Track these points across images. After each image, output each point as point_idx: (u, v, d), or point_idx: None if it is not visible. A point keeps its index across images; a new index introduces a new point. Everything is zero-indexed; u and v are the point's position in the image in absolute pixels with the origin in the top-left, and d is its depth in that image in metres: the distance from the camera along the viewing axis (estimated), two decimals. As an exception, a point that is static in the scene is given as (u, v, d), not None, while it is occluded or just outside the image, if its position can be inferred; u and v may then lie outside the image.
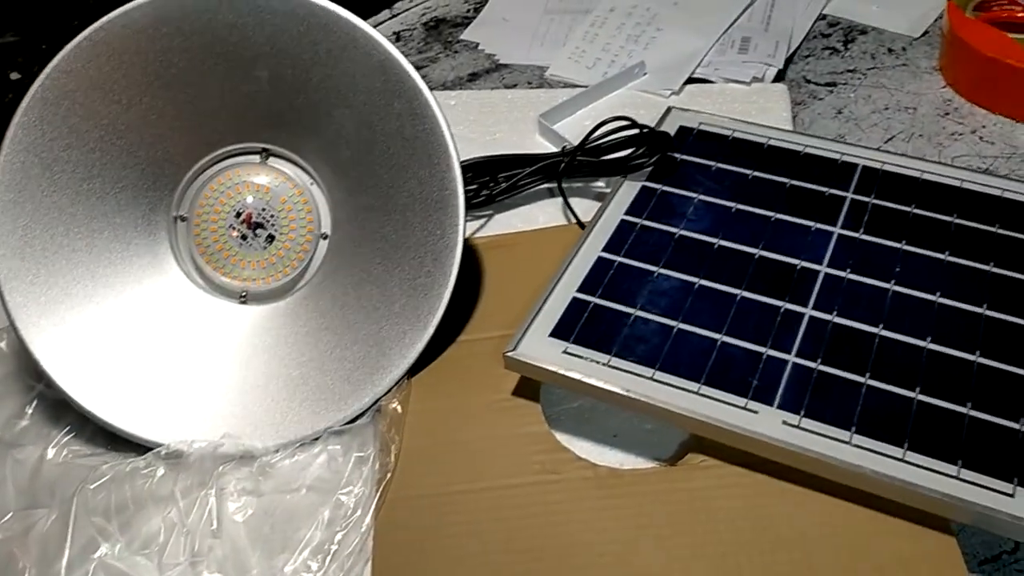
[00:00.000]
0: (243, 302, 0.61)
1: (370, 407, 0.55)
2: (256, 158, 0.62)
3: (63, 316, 0.57)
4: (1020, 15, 0.74)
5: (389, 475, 0.51)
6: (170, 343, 0.59)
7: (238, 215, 0.62)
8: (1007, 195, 0.62)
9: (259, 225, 0.61)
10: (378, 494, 0.51)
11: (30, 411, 0.58)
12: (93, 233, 0.59)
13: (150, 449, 0.54)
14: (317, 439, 0.55)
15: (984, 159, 0.68)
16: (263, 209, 0.61)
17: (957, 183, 0.63)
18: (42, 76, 0.57)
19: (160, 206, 0.61)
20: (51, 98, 0.57)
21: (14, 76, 1.20)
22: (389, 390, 0.56)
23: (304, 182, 0.62)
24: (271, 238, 0.61)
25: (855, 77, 0.77)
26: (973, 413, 0.48)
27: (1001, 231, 0.59)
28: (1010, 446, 0.47)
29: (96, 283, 0.58)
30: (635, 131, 0.66)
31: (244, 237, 0.61)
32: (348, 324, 0.58)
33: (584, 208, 0.67)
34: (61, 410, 0.58)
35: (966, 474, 0.46)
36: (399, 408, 0.54)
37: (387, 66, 0.57)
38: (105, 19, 0.57)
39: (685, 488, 0.49)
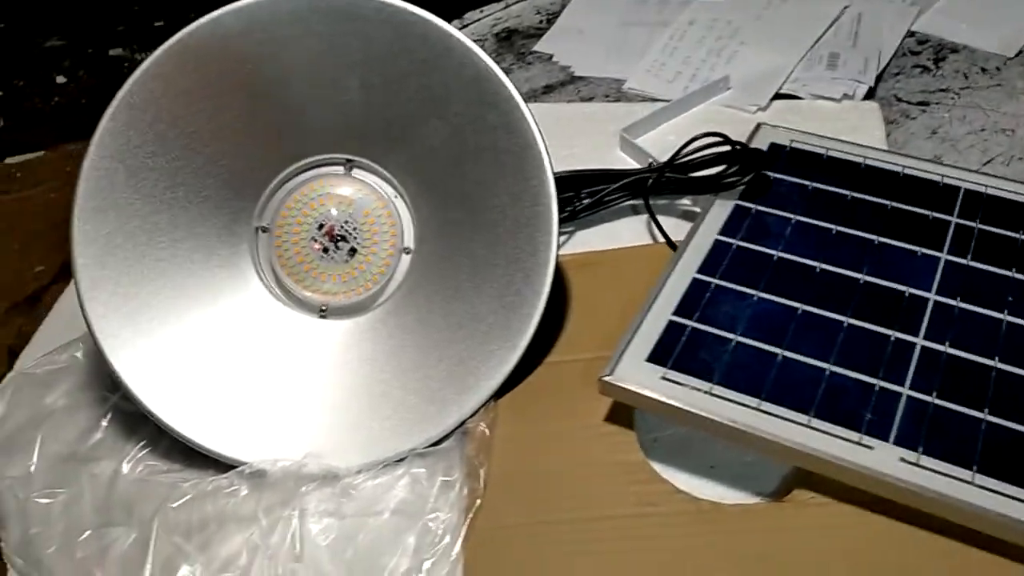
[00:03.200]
0: (323, 316, 0.60)
1: (455, 429, 0.54)
2: (340, 169, 0.61)
3: (144, 328, 0.56)
4: None
5: (478, 502, 0.49)
6: (250, 358, 0.58)
7: (320, 227, 0.60)
8: (1122, 223, 0.59)
9: (341, 238, 0.60)
10: (467, 522, 0.49)
11: (104, 424, 0.57)
12: (175, 243, 0.58)
13: (229, 467, 0.53)
14: (401, 460, 0.53)
15: (1091, 184, 0.65)
16: (346, 222, 0.60)
17: (1067, 209, 0.60)
18: (130, 81, 0.56)
19: (242, 216, 0.60)
20: (138, 103, 0.56)
21: (60, 80, 1.21)
22: (475, 412, 0.54)
23: (388, 194, 0.60)
24: (353, 251, 0.60)
25: (948, 97, 0.74)
26: (1105, 456, 0.46)
27: (1118, 261, 0.56)
28: None
29: (178, 295, 0.57)
30: (727, 148, 0.64)
31: (326, 250, 0.60)
32: (432, 342, 0.57)
33: (669, 226, 0.65)
34: (136, 423, 0.57)
35: (1102, 521, 0.43)
36: (487, 431, 0.52)
37: (482, 77, 0.56)
38: (195, 24, 0.56)
39: (794, 527, 0.46)
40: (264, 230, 0.60)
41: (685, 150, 0.64)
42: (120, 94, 0.56)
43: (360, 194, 0.60)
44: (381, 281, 0.60)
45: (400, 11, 0.56)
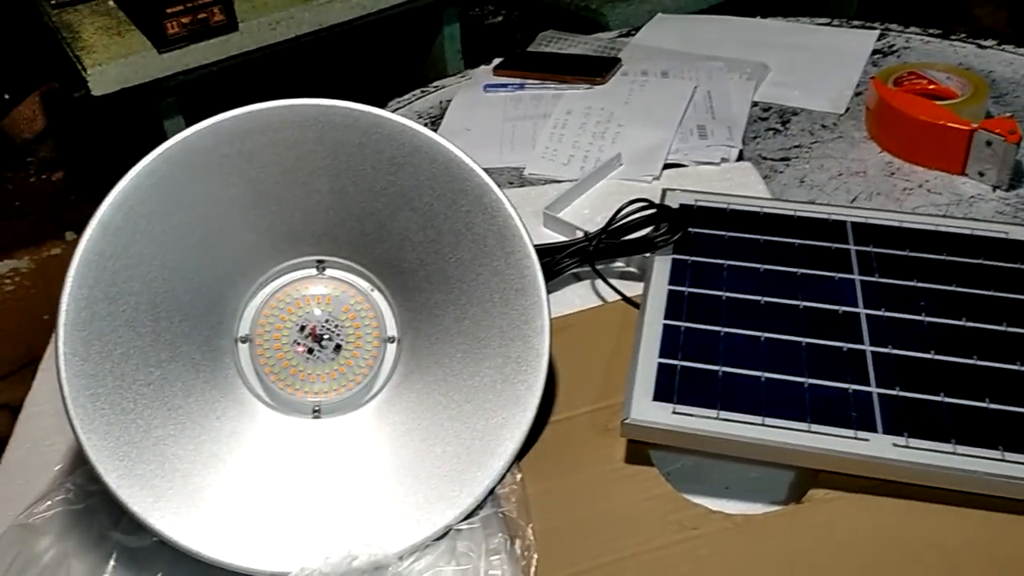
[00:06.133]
0: (316, 416, 0.60)
1: (487, 497, 0.55)
2: (312, 271, 0.62)
3: (146, 456, 0.54)
4: (931, 87, 0.86)
5: (536, 557, 0.51)
6: (255, 468, 0.57)
7: (302, 329, 0.61)
8: (977, 233, 0.71)
9: (325, 336, 0.61)
10: (529, 579, 0.51)
11: (112, 563, 0.54)
12: (162, 364, 0.56)
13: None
14: (442, 537, 0.54)
15: (939, 207, 0.78)
16: (326, 320, 0.61)
17: (933, 227, 0.72)
18: (102, 207, 0.55)
19: (222, 329, 0.60)
20: (112, 229, 0.55)
21: None
22: (502, 477, 0.56)
23: (364, 288, 0.62)
24: (338, 348, 0.61)
25: (803, 151, 0.87)
26: (1041, 412, 0.55)
27: (987, 262, 0.68)
28: (1082, 435, 0.54)
29: (172, 417, 0.56)
30: (652, 212, 0.71)
31: (311, 351, 0.61)
32: (439, 422, 0.59)
33: (608, 288, 0.71)
34: (145, 558, 0.54)
35: (1061, 464, 0.52)
36: (520, 492, 0.55)
37: (452, 167, 0.60)
38: (164, 147, 0.57)
39: (822, 521, 0.52)
40: (244, 340, 0.60)
41: (619, 216, 0.71)
42: (93, 222, 0.55)
43: (337, 291, 0.62)
44: (371, 373, 0.61)
45: (366, 115, 0.59)
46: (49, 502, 0.55)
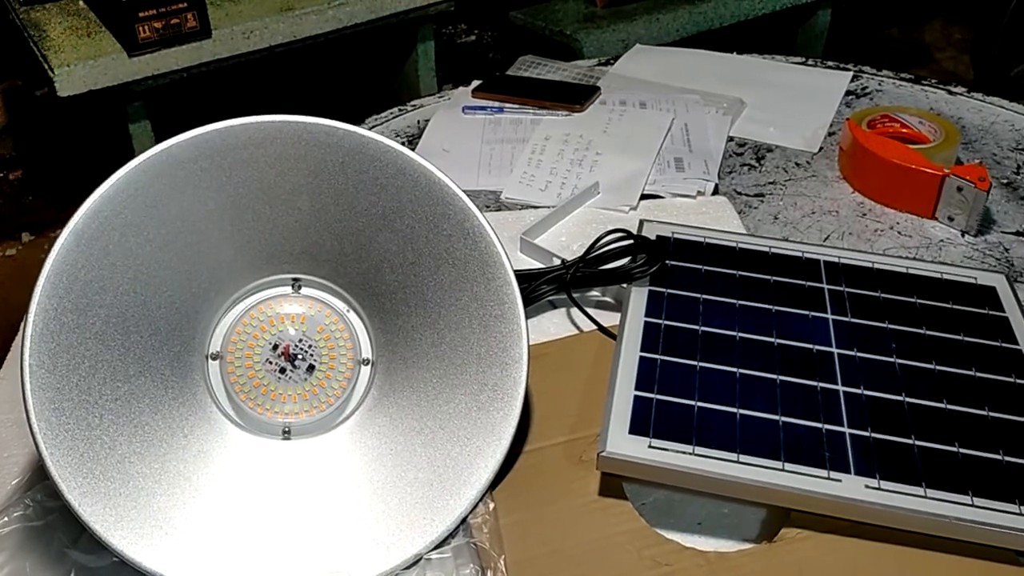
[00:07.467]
0: (286, 438, 0.59)
1: (458, 526, 0.55)
2: (288, 289, 0.61)
3: (110, 474, 0.52)
4: (904, 131, 0.88)
5: (508, 590, 0.51)
6: (220, 489, 0.56)
7: (274, 348, 0.60)
8: (947, 277, 0.72)
9: (298, 356, 0.60)
10: (500, 612, 0.50)
11: (69, 584, 0.52)
12: (130, 379, 0.55)
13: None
14: (411, 567, 0.53)
15: (908, 249, 0.79)
16: (300, 340, 0.60)
17: (904, 270, 0.73)
18: (77, 216, 0.54)
19: (193, 345, 0.58)
20: (85, 239, 0.54)
21: None
22: (474, 506, 0.55)
23: (340, 309, 0.61)
24: (311, 368, 0.60)
25: (777, 188, 0.88)
26: (1008, 459, 0.56)
27: (956, 307, 0.69)
28: (1048, 482, 0.54)
29: (137, 433, 0.54)
30: (631, 242, 0.71)
31: (283, 370, 0.60)
32: (412, 447, 0.58)
33: (583, 317, 0.71)
34: (103, 577, 0.52)
35: (1028, 511, 0.53)
36: (492, 522, 0.54)
37: (435, 191, 0.59)
38: (143, 157, 0.55)
39: (793, 561, 0.52)
40: (215, 357, 0.59)
41: (597, 245, 0.71)
42: (66, 231, 0.53)
43: (312, 311, 0.61)
44: (343, 395, 0.60)
45: (351, 134, 0.58)
46: (6, 518, 0.54)
